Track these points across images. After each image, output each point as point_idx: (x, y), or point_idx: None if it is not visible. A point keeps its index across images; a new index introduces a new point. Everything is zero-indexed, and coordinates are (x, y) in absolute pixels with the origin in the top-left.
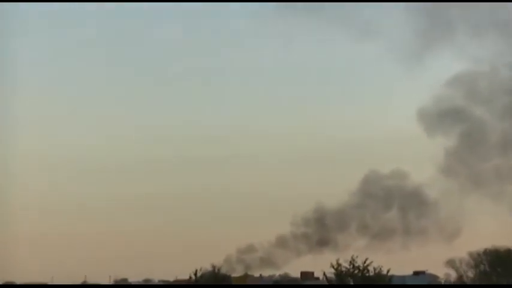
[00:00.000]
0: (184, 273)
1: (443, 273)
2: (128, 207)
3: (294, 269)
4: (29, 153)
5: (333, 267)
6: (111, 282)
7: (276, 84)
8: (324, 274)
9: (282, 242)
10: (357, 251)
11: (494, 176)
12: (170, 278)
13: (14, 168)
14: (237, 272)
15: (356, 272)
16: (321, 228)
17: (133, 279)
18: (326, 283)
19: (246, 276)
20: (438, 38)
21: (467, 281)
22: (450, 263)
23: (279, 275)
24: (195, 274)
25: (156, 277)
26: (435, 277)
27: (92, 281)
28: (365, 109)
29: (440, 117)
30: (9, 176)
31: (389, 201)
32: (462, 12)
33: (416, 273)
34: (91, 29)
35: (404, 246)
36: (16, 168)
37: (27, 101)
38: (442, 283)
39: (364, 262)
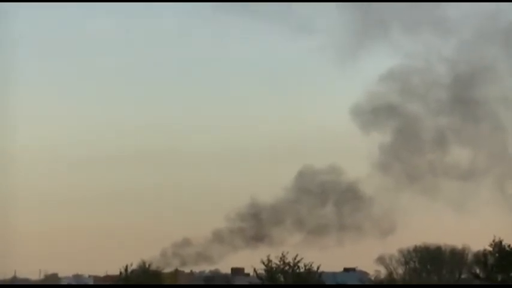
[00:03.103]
0: (115, 269)
1: (373, 270)
2: (57, 203)
3: (227, 265)
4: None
5: (264, 263)
6: (42, 277)
7: (209, 81)
8: (255, 270)
9: (217, 237)
10: (292, 246)
11: (428, 171)
12: (100, 273)
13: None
14: (171, 267)
15: (287, 268)
16: (256, 224)
17: (63, 274)
18: (256, 280)
19: (176, 272)
20: (372, 34)
21: (397, 278)
22: (380, 260)
23: (210, 271)
24: (126, 270)
25: (86, 272)
26: (365, 274)
27: (21, 276)
28: (299, 105)
29: (374, 113)
30: None
31: (324, 197)
32: (396, 9)
33: (346, 270)
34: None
35: (338, 242)
36: None
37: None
38: (372, 280)
39: (295, 259)
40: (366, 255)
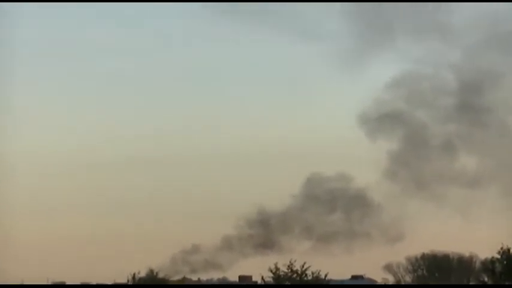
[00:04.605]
0: (123, 276)
1: (381, 277)
2: (64, 209)
3: (236, 272)
4: None
5: (271, 271)
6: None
7: (214, 86)
8: (262, 278)
9: (226, 244)
10: (301, 253)
11: (436, 179)
12: (108, 281)
13: None
14: (180, 274)
15: (294, 276)
16: (265, 231)
17: (70, 282)
18: None
19: (184, 279)
20: (378, 41)
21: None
22: (388, 268)
23: (217, 279)
24: (133, 277)
25: (94, 280)
26: (373, 281)
27: (28, 283)
28: (305, 112)
29: (381, 120)
30: None
31: (332, 204)
32: (403, 15)
33: (354, 277)
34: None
35: (347, 249)
36: None
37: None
38: None
39: (303, 266)
40: (374, 262)
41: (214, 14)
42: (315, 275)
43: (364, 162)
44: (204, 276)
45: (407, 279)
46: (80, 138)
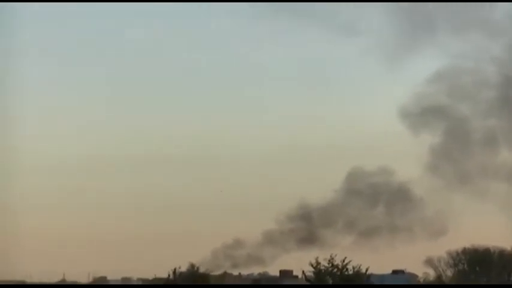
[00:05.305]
0: (164, 272)
1: (422, 272)
2: (107, 205)
3: (276, 267)
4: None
5: (312, 265)
6: (90, 280)
7: (257, 84)
8: (303, 273)
9: (268, 239)
10: (342, 248)
11: (478, 173)
12: (149, 276)
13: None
14: (222, 269)
15: (335, 270)
16: (307, 225)
17: (112, 277)
18: (304, 282)
19: (224, 274)
20: (419, 35)
21: (446, 281)
22: (429, 262)
23: (258, 274)
24: (174, 273)
25: (135, 275)
26: (414, 276)
27: (70, 278)
28: (347, 107)
29: (423, 114)
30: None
31: (375, 199)
32: (443, 9)
33: (395, 272)
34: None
35: (388, 244)
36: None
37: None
38: (421, 282)
39: (343, 261)
40: (415, 257)
41: (255, 14)
42: (355, 269)
43: (406, 157)
44: (245, 271)
45: (448, 273)
46: (120, 134)
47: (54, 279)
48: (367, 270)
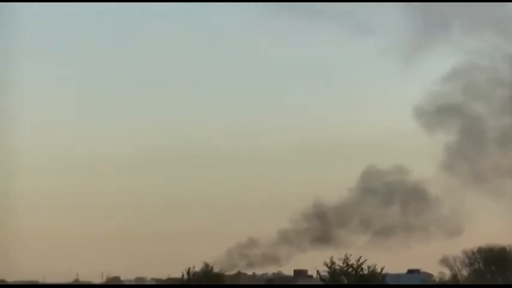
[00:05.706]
0: (178, 272)
1: (437, 271)
2: (121, 205)
3: (291, 267)
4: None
5: (327, 265)
6: (103, 280)
7: (273, 82)
8: (318, 272)
9: (283, 238)
10: (358, 247)
11: (493, 172)
12: (163, 276)
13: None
14: (237, 268)
15: (350, 270)
16: (321, 225)
17: (125, 277)
18: (319, 282)
19: (239, 274)
20: (433, 34)
21: (461, 280)
22: (444, 262)
23: (272, 273)
24: (188, 273)
25: (149, 275)
26: (429, 276)
27: (83, 279)
28: (362, 106)
29: (438, 113)
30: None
31: (390, 198)
32: (457, 8)
33: (410, 272)
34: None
35: (404, 243)
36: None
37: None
38: (437, 281)
39: (358, 260)
40: (431, 256)
41: (272, 14)
42: (370, 269)
43: (421, 155)
44: (260, 271)
45: (464, 272)
46: (131, 134)
47: (67, 280)
48: (382, 269)
